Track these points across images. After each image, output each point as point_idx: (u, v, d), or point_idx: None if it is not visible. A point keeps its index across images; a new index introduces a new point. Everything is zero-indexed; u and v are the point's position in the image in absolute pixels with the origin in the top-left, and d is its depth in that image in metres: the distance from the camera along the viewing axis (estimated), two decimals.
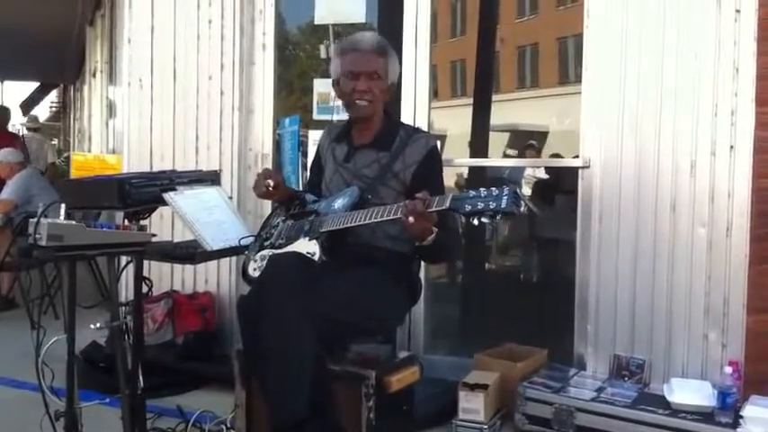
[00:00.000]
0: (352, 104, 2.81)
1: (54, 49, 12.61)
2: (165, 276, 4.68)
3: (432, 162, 2.82)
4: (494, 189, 2.28)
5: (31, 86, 23.19)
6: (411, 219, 2.37)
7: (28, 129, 13.97)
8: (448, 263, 2.88)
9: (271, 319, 2.42)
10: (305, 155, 4.57)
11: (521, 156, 9.76)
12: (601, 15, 3.88)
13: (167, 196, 2.69)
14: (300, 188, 3.84)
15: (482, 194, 2.29)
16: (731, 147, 3.64)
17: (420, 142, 2.83)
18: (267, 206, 4.47)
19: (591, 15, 3.92)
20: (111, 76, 8.33)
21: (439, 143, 2.97)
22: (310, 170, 3.27)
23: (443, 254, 2.82)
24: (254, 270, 2.80)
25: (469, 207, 2.29)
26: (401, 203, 2.47)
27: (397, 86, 3.10)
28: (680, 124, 3.72)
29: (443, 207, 2.36)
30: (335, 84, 2.88)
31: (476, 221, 2.30)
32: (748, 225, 3.62)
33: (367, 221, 2.60)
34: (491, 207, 2.25)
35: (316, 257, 2.67)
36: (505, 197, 2.25)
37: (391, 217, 2.50)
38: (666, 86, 3.74)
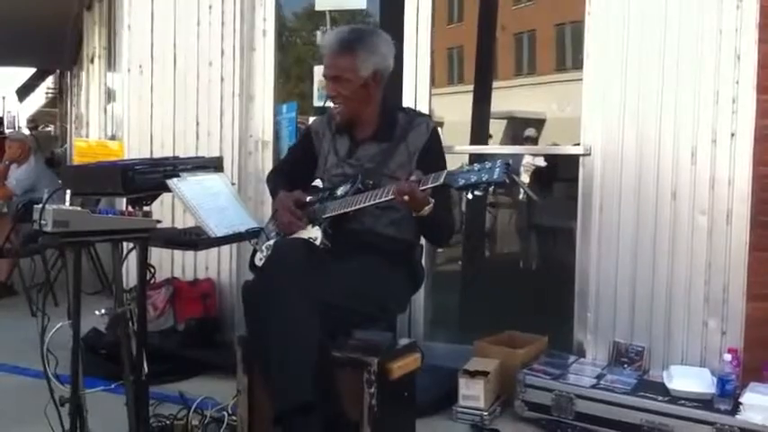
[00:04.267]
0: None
1: (51, 34, 12.54)
2: (166, 263, 4.67)
3: (434, 146, 2.84)
4: (486, 162, 2.37)
5: (27, 72, 23.14)
6: (405, 197, 2.44)
7: (32, 128, 13.99)
8: (444, 241, 2.94)
9: (275, 305, 2.43)
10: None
11: (519, 142, 9.79)
12: (603, 2, 3.87)
13: (171, 183, 2.68)
14: None
15: (475, 168, 2.37)
16: (732, 134, 3.65)
17: (421, 128, 2.83)
18: (268, 193, 4.48)
19: (592, 2, 3.91)
20: (110, 62, 8.30)
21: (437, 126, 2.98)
22: (291, 153, 3.24)
23: (440, 230, 2.84)
24: (260, 260, 2.82)
25: (463, 181, 2.37)
26: (394, 184, 2.52)
27: (394, 70, 3.06)
28: (681, 112, 3.73)
29: (438, 183, 2.42)
30: None
31: (469, 195, 2.38)
32: (748, 212, 3.64)
33: (365, 204, 2.64)
34: (483, 179, 2.33)
35: (317, 242, 2.69)
36: (497, 169, 2.33)
37: (388, 197, 2.54)
38: (668, 74, 3.74)
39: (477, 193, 2.36)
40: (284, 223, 2.80)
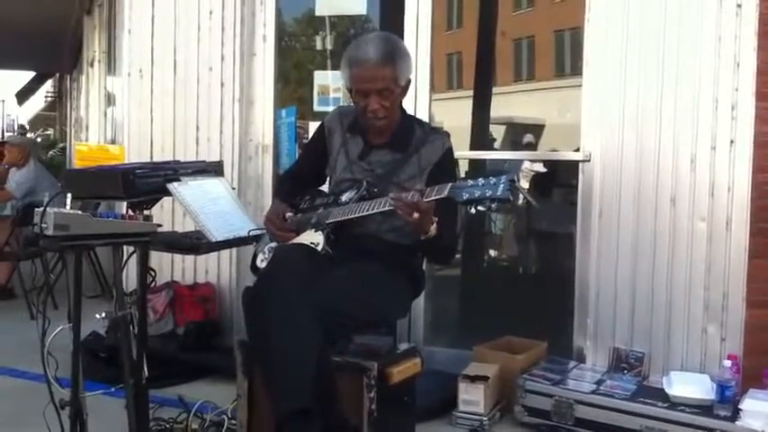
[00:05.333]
0: (367, 120, 2.76)
1: (51, 38, 12.56)
2: (166, 267, 4.68)
3: (447, 164, 2.80)
4: (491, 178, 2.33)
5: (26, 76, 23.15)
6: (414, 215, 2.40)
7: (22, 134, 14.07)
8: (447, 262, 2.92)
9: (275, 309, 2.43)
10: (302, 146, 4.57)
11: (519, 148, 9.77)
12: (602, 9, 3.89)
13: (171, 187, 2.68)
14: None
15: (480, 183, 2.32)
16: (731, 141, 3.65)
17: (436, 144, 2.80)
18: (268, 197, 4.50)
19: (592, 9, 3.92)
20: (110, 66, 8.31)
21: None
22: (305, 151, 3.23)
23: (444, 251, 2.83)
24: (261, 262, 2.82)
25: (467, 195, 2.32)
26: (398, 194, 2.48)
27: None
28: (680, 118, 3.73)
29: (442, 195, 2.39)
30: (348, 90, 2.81)
31: (473, 210, 2.33)
32: (748, 219, 3.64)
33: (369, 212, 2.62)
34: (487, 195, 2.29)
35: (319, 248, 2.68)
36: (502, 185, 2.29)
37: (390, 207, 2.52)
38: (667, 81, 3.75)
39: (480, 208, 2.32)
40: (275, 236, 2.83)
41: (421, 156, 2.78)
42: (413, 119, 2.98)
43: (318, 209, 2.83)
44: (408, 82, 2.80)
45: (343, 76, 2.78)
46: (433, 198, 2.41)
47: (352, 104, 2.87)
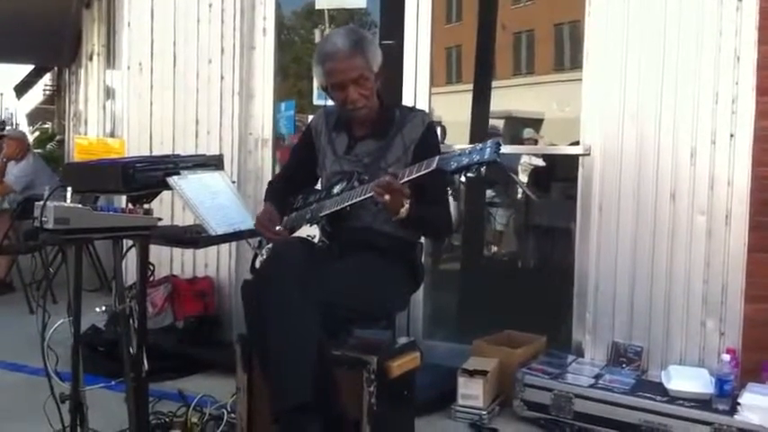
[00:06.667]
0: (348, 111, 2.79)
1: (50, 31, 12.51)
2: (165, 261, 4.68)
3: (430, 138, 2.83)
4: (478, 144, 2.36)
5: (25, 69, 23.08)
6: (387, 197, 2.44)
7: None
8: (440, 237, 2.90)
9: (274, 303, 2.43)
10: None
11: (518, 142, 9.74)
12: (602, 2, 3.88)
13: (171, 180, 2.68)
14: None
15: (467, 151, 2.36)
16: (731, 135, 3.65)
17: (416, 120, 2.83)
18: None
19: (592, 2, 3.92)
20: (109, 60, 8.29)
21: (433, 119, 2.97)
22: (293, 153, 3.24)
23: (428, 228, 2.85)
24: (260, 264, 2.82)
25: (455, 164, 2.36)
26: (375, 181, 2.52)
27: (395, 69, 3.04)
28: (680, 112, 3.73)
29: (431, 168, 2.42)
30: (324, 89, 2.83)
31: (463, 177, 2.37)
32: (747, 213, 3.64)
33: (356, 199, 2.65)
34: (475, 160, 2.33)
35: (316, 239, 2.70)
36: (488, 149, 2.32)
37: (370, 193, 2.55)
38: (667, 74, 3.75)
39: (469, 174, 2.37)
40: (267, 239, 2.83)
41: (404, 136, 2.80)
42: (391, 104, 2.99)
43: (312, 204, 2.86)
44: (381, 69, 2.79)
45: (318, 75, 2.80)
46: (423, 172, 2.44)
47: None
